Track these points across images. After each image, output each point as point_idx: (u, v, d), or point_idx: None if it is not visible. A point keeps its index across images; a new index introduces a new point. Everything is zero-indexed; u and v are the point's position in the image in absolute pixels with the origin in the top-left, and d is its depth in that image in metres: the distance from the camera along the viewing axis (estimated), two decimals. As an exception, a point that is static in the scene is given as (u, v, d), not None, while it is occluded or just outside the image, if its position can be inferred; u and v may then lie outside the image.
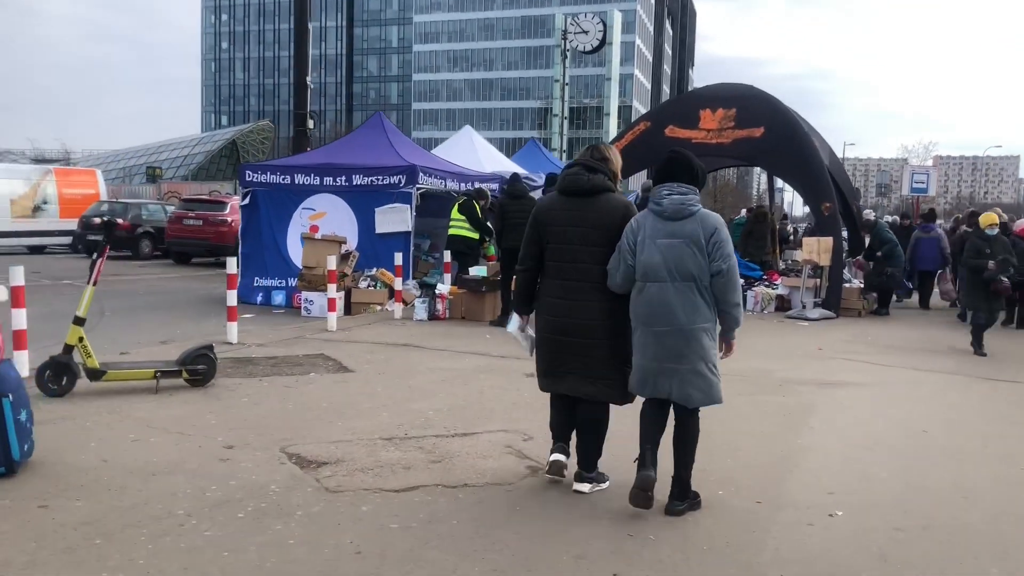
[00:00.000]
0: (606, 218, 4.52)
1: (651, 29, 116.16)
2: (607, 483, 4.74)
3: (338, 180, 13.93)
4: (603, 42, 55.54)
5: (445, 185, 14.35)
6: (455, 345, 9.50)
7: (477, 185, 15.26)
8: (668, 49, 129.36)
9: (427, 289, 12.60)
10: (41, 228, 25.39)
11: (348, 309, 12.92)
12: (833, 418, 6.83)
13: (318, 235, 13.24)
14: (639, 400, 4.61)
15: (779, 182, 19.92)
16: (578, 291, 4.52)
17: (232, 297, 9.36)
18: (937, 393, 8.09)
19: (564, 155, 57.50)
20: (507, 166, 18.06)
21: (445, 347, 9.35)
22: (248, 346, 9.04)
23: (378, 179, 13.70)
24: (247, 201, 14.65)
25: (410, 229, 13.47)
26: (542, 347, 4.75)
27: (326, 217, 14.15)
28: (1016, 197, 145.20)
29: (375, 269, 13.30)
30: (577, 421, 4.75)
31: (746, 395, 7.35)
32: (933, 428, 6.61)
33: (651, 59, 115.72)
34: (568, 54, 50.84)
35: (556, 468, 4.74)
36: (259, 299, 14.16)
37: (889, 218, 23.58)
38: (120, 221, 22.52)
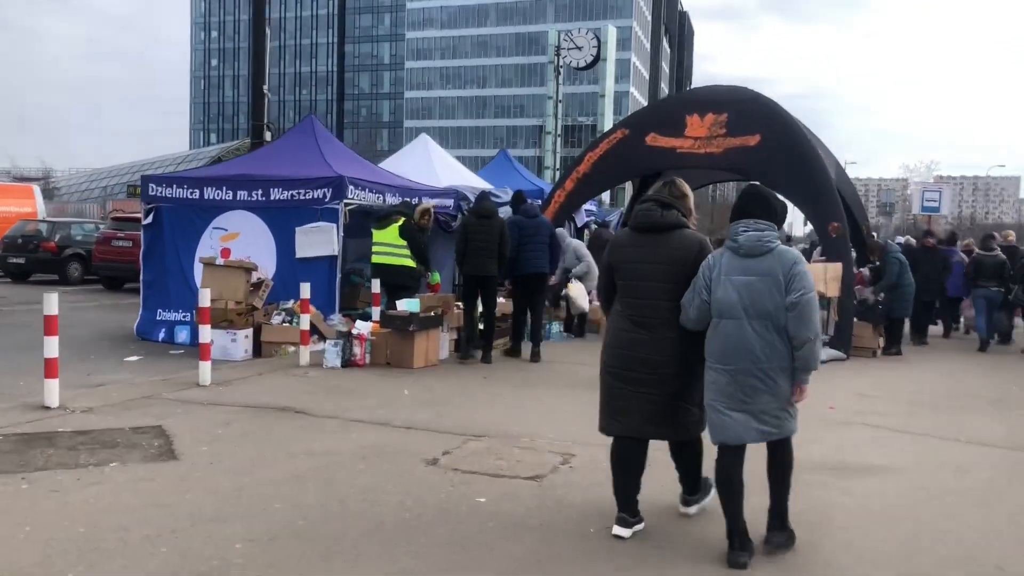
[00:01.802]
0: (679, 254, 4.48)
1: (648, 47, 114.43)
2: (712, 491, 4.69)
3: (254, 194, 11.69)
4: (597, 58, 53.76)
5: (384, 200, 12.08)
6: (351, 409, 7.22)
7: (425, 201, 13.05)
8: (665, 67, 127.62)
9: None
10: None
11: (258, 350, 10.67)
12: (859, 544, 4.55)
13: (219, 261, 10.97)
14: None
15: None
16: (650, 327, 4.47)
17: (51, 346, 7.07)
18: (997, 485, 5.81)
19: (557, 173, 55.62)
20: (468, 180, 15.83)
21: (336, 412, 7.06)
22: (70, 412, 6.77)
23: (300, 193, 11.46)
24: (149, 219, 12.42)
25: (336, 252, 11.21)
26: (606, 384, 4.66)
27: (240, 238, 11.89)
28: (1017, 217, 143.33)
29: (292, 301, 11.00)
30: (674, 460, 4.78)
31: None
32: (1010, 561, 4.34)
33: (648, 77, 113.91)
34: (561, 71, 49.16)
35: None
36: (161, 336, 11.89)
37: (900, 239, 21.42)
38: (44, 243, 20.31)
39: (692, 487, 4.80)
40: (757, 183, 4.48)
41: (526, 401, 7.87)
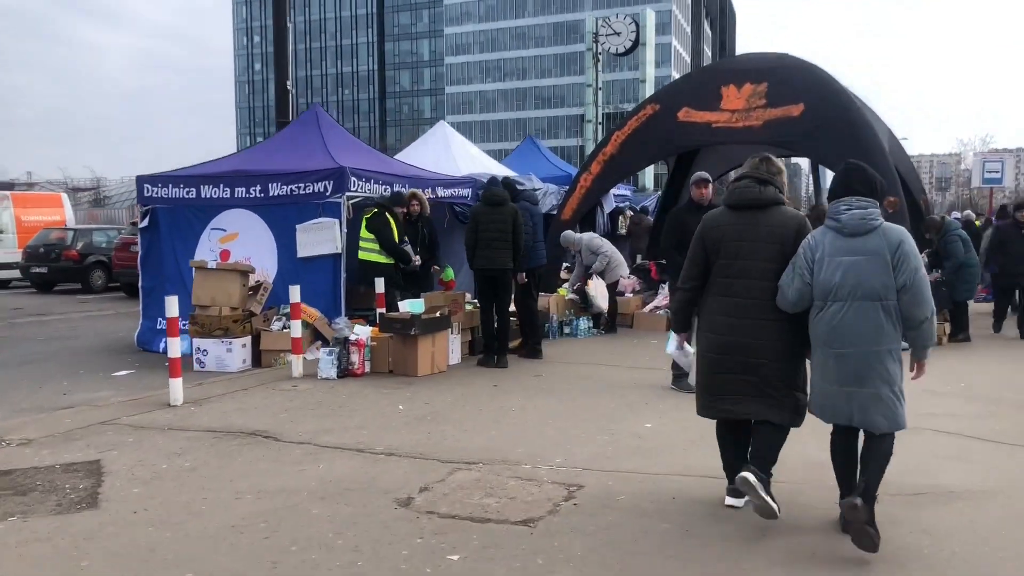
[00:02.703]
0: (778, 231, 4.33)
1: (688, 31, 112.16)
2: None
3: (252, 191, 10.79)
4: (636, 43, 52.48)
5: (391, 191, 11.10)
6: (330, 431, 6.23)
7: (437, 190, 12.05)
8: (708, 50, 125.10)
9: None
10: (-1, 260, 22.69)
11: (258, 359, 9.78)
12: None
13: (212, 264, 10.07)
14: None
15: (828, 174, 16.43)
16: (747, 309, 4.32)
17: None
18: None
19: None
20: (490, 168, 14.76)
21: (311, 436, 6.07)
22: (4, 445, 5.87)
23: (299, 187, 10.52)
24: (146, 222, 11.60)
25: (339, 250, 10.25)
26: (704, 367, 4.48)
27: (239, 239, 11.01)
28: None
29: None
30: (752, 440, 4.44)
31: (784, 534, 4.03)
32: None
33: (689, 61, 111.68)
34: (600, 58, 47.98)
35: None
36: (162, 346, 11.02)
37: (957, 214, 19.94)
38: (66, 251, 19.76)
39: (766, 464, 4.31)
40: (856, 161, 4.30)
41: (537, 414, 6.81)
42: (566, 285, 12.41)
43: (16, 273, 22.40)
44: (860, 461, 4.15)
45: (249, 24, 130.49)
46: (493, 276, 9.03)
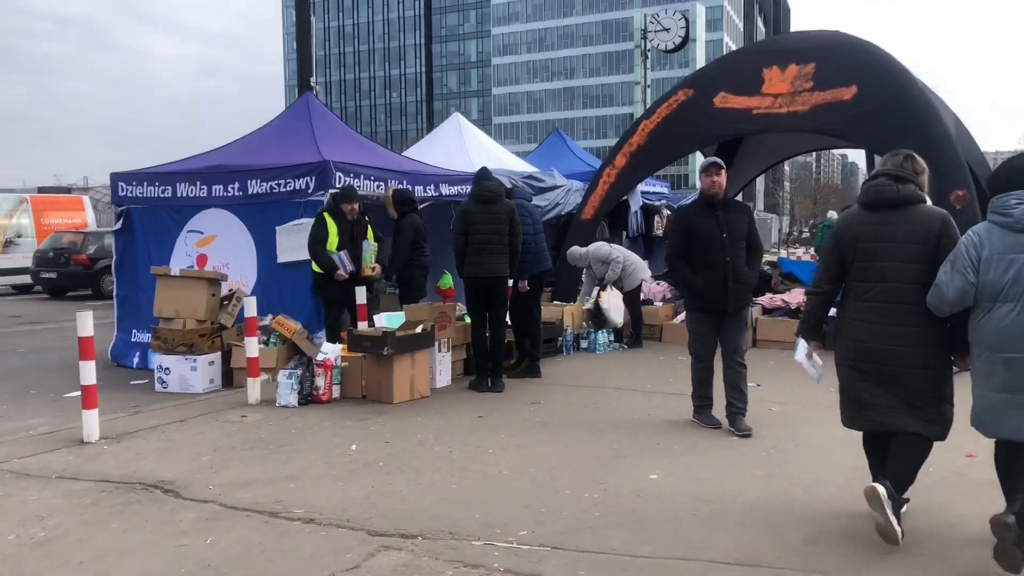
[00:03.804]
0: (921, 231, 4.10)
1: (740, 26, 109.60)
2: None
3: (230, 189, 9.67)
4: (685, 40, 50.85)
5: (385, 188, 9.89)
6: (251, 484, 4.98)
7: (444, 188, 10.81)
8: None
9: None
10: (15, 265, 21.99)
11: (229, 379, 8.64)
12: None
13: (175, 271, 8.95)
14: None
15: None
16: (889, 313, 4.11)
17: None
18: None
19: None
20: (507, 163, 13.47)
21: (221, 492, 4.82)
22: None
23: (279, 184, 9.36)
24: (120, 224, 10.56)
25: (323, 255, 9.05)
26: (846, 377, 4.28)
27: (217, 243, 9.91)
28: None
29: (268, 317, 8.89)
30: (891, 452, 4.14)
31: None
32: None
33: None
34: (649, 55, 46.50)
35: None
36: (135, 361, 10.04)
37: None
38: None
39: (903, 483, 4.03)
40: None
41: (517, 458, 5.50)
42: (580, 299, 11.08)
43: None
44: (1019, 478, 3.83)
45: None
46: (487, 286, 7.75)
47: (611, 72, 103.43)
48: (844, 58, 10.82)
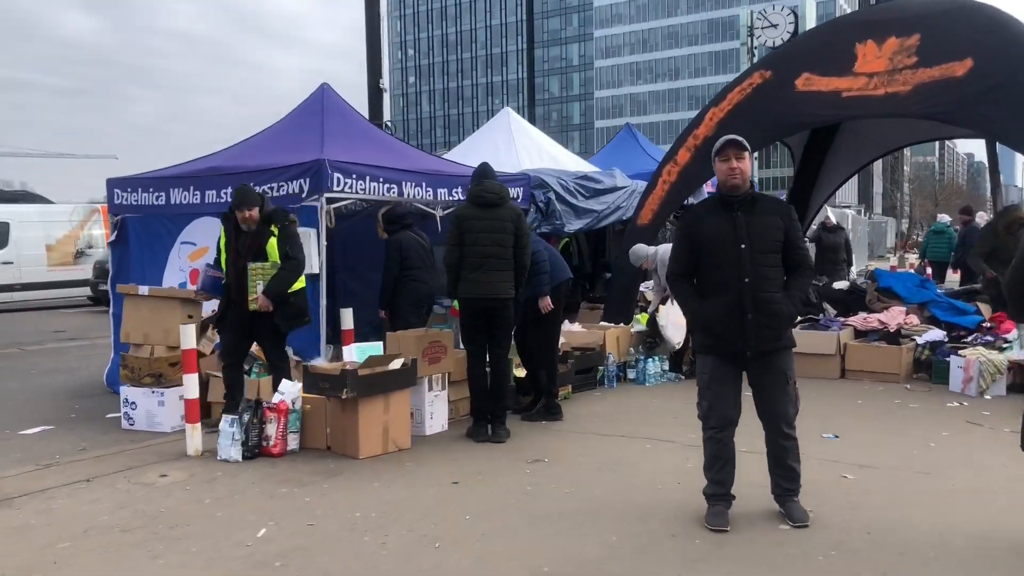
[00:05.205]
0: None
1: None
2: None
3: (223, 194, 8.38)
4: (794, 35, 48.25)
5: (399, 193, 8.50)
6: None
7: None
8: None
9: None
10: (87, 276, 21.66)
11: (207, 412, 7.36)
12: None
13: (143, 290, 7.75)
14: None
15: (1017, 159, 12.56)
16: None
17: None
18: None
19: (756, 160, 50.31)
20: (562, 162, 11.86)
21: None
22: None
23: (273, 187, 8.02)
24: (114, 236, 9.51)
25: (316, 270, 7.71)
26: None
27: (210, 255, 8.69)
28: None
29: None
30: None
31: None
32: None
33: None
34: (756, 52, 44.18)
35: None
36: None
37: None
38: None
39: None
40: None
41: (465, 562, 3.98)
42: (650, 309, 9.41)
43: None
44: None
45: (403, 38, 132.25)
46: (486, 308, 6.23)
47: (717, 72, 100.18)
48: (956, 26, 8.91)
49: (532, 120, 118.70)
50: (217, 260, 6.85)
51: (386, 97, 16.04)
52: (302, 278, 6.75)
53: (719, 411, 4.40)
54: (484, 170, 6.54)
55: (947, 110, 8.59)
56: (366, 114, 14.05)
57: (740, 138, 4.41)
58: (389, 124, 16.27)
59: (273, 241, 6.43)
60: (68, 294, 21.39)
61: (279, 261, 6.40)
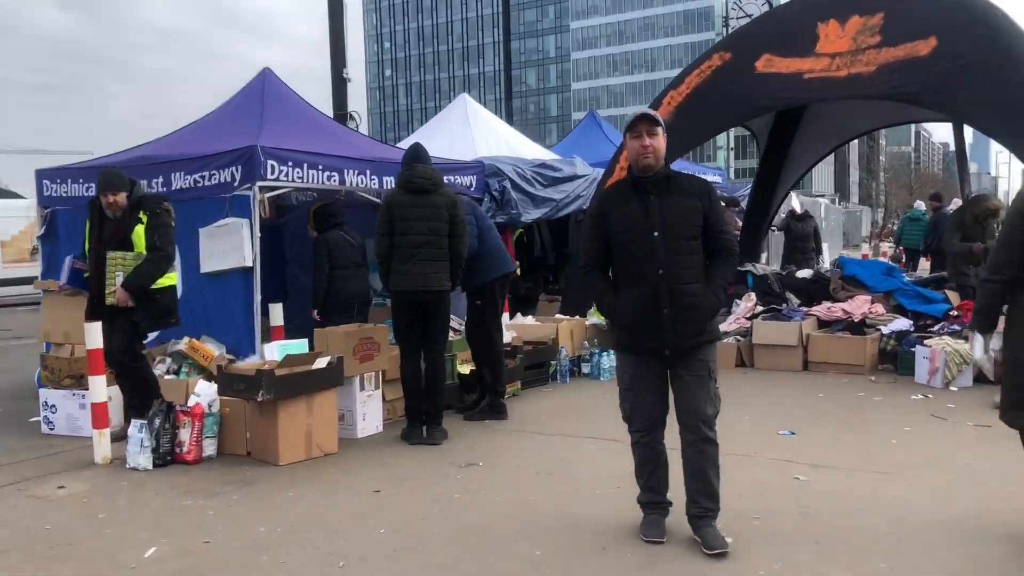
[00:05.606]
0: None
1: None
2: None
3: (154, 184, 7.93)
4: (766, 22, 48.20)
5: (343, 181, 8.07)
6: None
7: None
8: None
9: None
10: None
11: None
12: None
13: (61, 282, 7.32)
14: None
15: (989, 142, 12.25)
16: None
17: None
18: None
19: (731, 152, 50.10)
20: (520, 151, 11.46)
21: None
22: None
23: (204, 176, 7.63)
24: (43, 229, 9.05)
25: (248, 263, 7.28)
26: (1014, 371, 3.83)
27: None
28: None
29: (185, 339, 7.17)
30: None
31: None
32: None
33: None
34: (730, 42, 43.99)
35: None
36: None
37: None
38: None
39: None
40: None
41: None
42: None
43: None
44: None
45: (379, 31, 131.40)
46: (422, 302, 5.83)
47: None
48: (920, 4, 8.57)
49: (510, 113, 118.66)
50: (83, 251, 6.30)
51: (358, 88, 15.62)
52: (172, 275, 6.16)
53: (643, 413, 3.97)
54: (416, 153, 6.12)
55: (913, 91, 8.25)
56: (331, 105, 13.68)
57: (653, 112, 3.96)
58: (355, 114, 15.81)
59: (140, 229, 5.85)
60: (23, 292, 20.82)
61: (144, 252, 5.85)
